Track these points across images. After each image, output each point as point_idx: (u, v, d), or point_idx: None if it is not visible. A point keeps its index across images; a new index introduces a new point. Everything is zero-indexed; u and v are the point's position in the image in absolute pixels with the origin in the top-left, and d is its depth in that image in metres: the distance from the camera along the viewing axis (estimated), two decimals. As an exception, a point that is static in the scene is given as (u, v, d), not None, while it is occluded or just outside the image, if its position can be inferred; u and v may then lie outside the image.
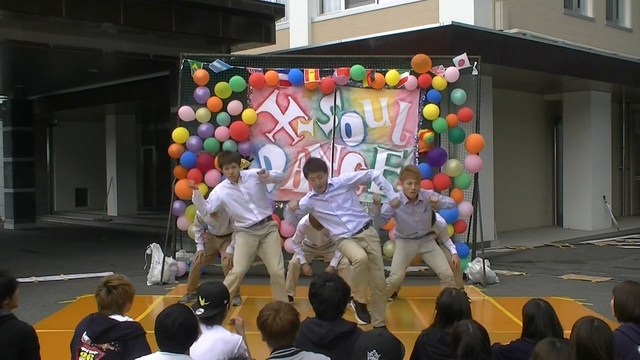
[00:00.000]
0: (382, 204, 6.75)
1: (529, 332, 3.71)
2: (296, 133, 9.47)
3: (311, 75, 9.31)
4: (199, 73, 9.27)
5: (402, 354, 3.06)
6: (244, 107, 9.42)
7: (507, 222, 14.20)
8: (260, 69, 9.45)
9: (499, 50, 11.46)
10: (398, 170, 9.38)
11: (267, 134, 9.50)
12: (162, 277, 9.13)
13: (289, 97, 9.47)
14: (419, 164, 9.36)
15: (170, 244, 9.50)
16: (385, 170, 9.35)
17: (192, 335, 3.30)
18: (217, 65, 9.38)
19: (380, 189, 7.00)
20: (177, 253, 9.62)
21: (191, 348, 3.44)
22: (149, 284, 9.17)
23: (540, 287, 8.94)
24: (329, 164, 9.35)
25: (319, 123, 9.45)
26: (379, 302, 6.51)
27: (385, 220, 6.78)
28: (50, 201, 21.24)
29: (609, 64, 14.15)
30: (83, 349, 3.58)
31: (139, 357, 3.34)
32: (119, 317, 3.67)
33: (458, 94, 9.36)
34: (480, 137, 9.34)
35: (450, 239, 7.86)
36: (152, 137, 22.41)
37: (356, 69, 9.28)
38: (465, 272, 9.14)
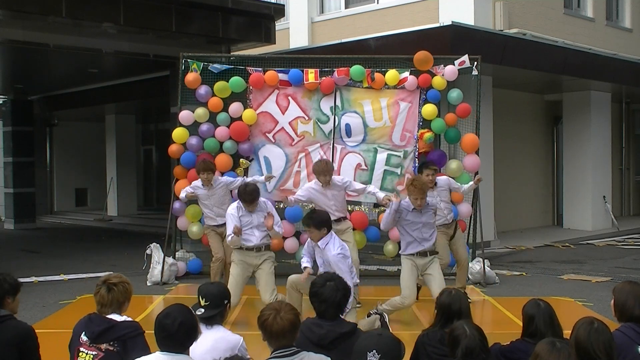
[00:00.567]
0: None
1: (529, 332, 3.71)
2: (296, 133, 9.47)
3: (311, 75, 9.31)
4: (190, 76, 9.27)
5: (402, 354, 3.05)
6: (244, 108, 9.41)
7: (507, 222, 14.20)
8: (260, 69, 9.45)
9: (499, 50, 11.46)
10: (398, 170, 9.40)
11: (267, 134, 9.50)
12: (162, 277, 9.13)
13: (289, 97, 9.47)
14: (419, 164, 9.36)
15: (170, 244, 9.50)
16: (385, 170, 9.36)
17: (192, 335, 3.30)
18: (217, 66, 9.38)
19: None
20: (177, 253, 9.62)
21: (192, 348, 3.44)
22: (149, 284, 9.17)
23: (540, 287, 8.94)
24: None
25: (319, 123, 9.45)
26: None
27: (393, 222, 6.64)
28: (50, 201, 21.25)
29: (609, 64, 14.15)
30: (82, 349, 3.58)
31: (139, 356, 3.33)
32: (117, 317, 3.66)
33: (454, 94, 9.36)
34: (476, 136, 9.35)
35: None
36: (152, 137, 22.41)
37: (356, 69, 9.28)
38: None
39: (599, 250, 12.69)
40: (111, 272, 3.93)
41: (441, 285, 6.49)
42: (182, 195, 8.50)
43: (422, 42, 10.56)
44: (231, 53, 12.14)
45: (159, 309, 3.34)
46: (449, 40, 10.54)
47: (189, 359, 3.29)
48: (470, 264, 9.18)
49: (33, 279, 9.60)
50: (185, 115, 9.31)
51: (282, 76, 9.40)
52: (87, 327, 3.61)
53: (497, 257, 11.43)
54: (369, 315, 6.59)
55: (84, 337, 3.59)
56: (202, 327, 3.78)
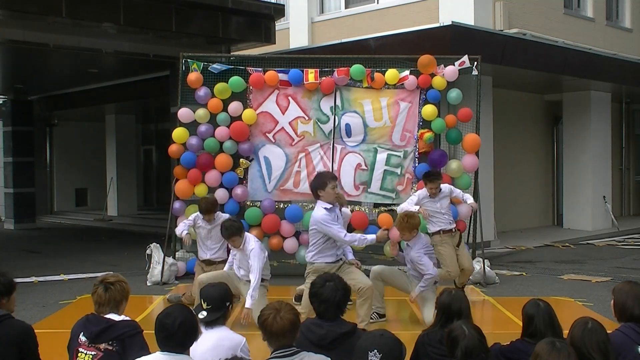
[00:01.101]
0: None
1: (528, 332, 3.71)
2: (296, 133, 9.47)
3: (311, 75, 9.31)
4: (192, 76, 9.26)
5: (403, 354, 3.05)
6: (244, 108, 9.41)
7: (507, 222, 14.20)
8: (260, 69, 9.45)
9: (499, 50, 11.46)
10: (398, 170, 9.40)
11: (267, 134, 9.50)
12: (162, 277, 9.13)
13: (289, 97, 9.47)
14: (419, 164, 9.37)
15: (170, 244, 9.50)
16: (385, 170, 9.36)
17: (192, 335, 3.30)
18: (217, 66, 9.38)
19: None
20: (177, 253, 9.62)
21: (193, 347, 3.44)
22: (149, 284, 9.17)
23: (540, 287, 8.94)
24: (329, 164, 9.37)
25: (319, 123, 9.45)
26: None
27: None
28: (50, 201, 21.24)
29: (609, 64, 14.15)
30: (81, 349, 3.58)
31: (138, 356, 3.33)
32: (115, 317, 3.66)
33: (454, 94, 9.36)
34: (477, 136, 9.35)
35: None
36: (152, 137, 22.41)
37: (356, 68, 9.28)
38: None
39: (599, 250, 12.69)
40: (110, 272, 3.93)
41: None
42: (181, 230, 7.94)
43: (422, 42, 10.57)
44: (231, 53, 12.15)
45: (159, 309, 3.35)
46: (449, 40, 10.54)
47: (189, 359, 3.29)
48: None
49: (33, 279, 9.60)
50: (184, 113, 9.30)
51: (282, 76, 9.40)
52: (86, 327, 3.61)
53: (497, 257, 11.43)
54: None
55: (82, 338, 3.59)
56: (204, 327, 3.78)
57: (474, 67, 9.37)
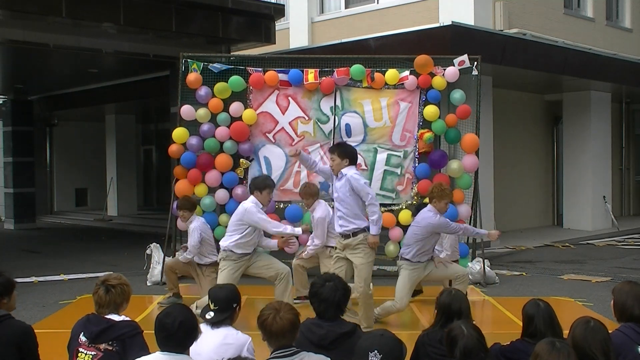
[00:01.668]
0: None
1: (528, 332, 3.71)
2: (296, 133, 9.47)
3: (311, 75, 9.31)
4: (192, 77, 9.25)
5: (403, 354, 3.05)
6: (245, 108, 9.41)
7: (507, 222, 14.20)
8: (260, 69, 9.45)
9: (499, 50, 11.46)
10: (398, 170, 9.40)
11: (267, 134, 9.49)
12: (162, 277, 9.12)
13: (289, 98, 9.47)
14: (419, 164, 9.37)
15: (170, 244, 9.50)
16: (385, 170, 9.36)
17: (192, 334, 3.29)
18: (217, 66, 9.38)
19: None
20: (177, 253, 9.61)
21: (198, 346, 3.44)
22: (149, 284, 9.17)
23: (540, 287, 8.94)
24: (329, 164, 9.35)
25: (319, 123, 9.45)
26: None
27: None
28: (50, 201, 21.24)
29: (609, 64, 14.16)
30: (81, 349, 3.58)
31: (138, 356, 3.33)
32: (115, 317, 3.66)
33: (457, 95, 9.36)
34: (476, 136, 9.35)
35: None
36: (152, 137, 22.41)
37: (356, 68, 9.28)
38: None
39: (599, 250, 12.69)
40: (111, 272, 3.92)
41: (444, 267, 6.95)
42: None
43: (422, 42, 10.57)
44: (231, 53, 12.14)
45: (159, 309, 3.34)
46: (449, 40, 10.54)
47: (189, 359, 3.29)
48: (470, 264, 9.19)
49: (33, 279, 9.60)
50: (186, 110, 9.28)
51: (282, 76, 9.39)
52: (86, 327, 3.61)
53: (497, 257, 11.43)
54: None
55: (82, 338, 3.59)
56: (208, 327, 3.78)
57: (474, 67, 9.37)
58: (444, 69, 9.28)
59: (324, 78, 9.30)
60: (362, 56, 9.78)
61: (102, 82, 16.26)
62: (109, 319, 3.63)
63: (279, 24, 13.32)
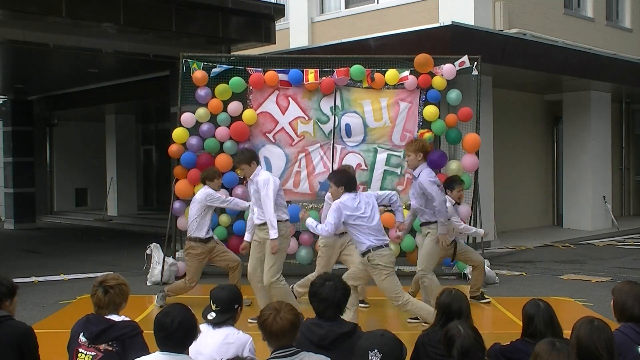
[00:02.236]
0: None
1: (528, 332, 3.71)
2: (296, 133, 9.47)
3: (311, 75, 9.31)
4: (199, 74, 9.26)
5: (403, 354, 3.05)
6: (244, 108, 9.42)
7: (507, 222, 14.20)
8: (260, 69, 9.45)
9: (499, 50, 11.46)
10: (398, 171, 9.41)
11: (267, 134, 9.50)
12: (162, 277, 9.13)
13: (289, 98, 9.47)
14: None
15: (170, 244, 9.50)
16: (385, 170, 9.36)
17: (191, 334, 3.29)
18: (216, 70, 9.37)
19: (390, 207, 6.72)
20: (177, 253, 9.61)
21: (199, 345, 3.43)
22: (149, 284, 9.17)
23: (540, 287, 8.94)
24: (329, 164, 9.37)
25: (319, 123, 9.45)
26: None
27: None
28: (50, 201, 21.24)
29: (609, 64, 14.15)
30: (81, 350, 3.58)
31: (138, 356, 3.33)
32: (115, 317, 3.66)
33: (453, 95, 9.36)
34: (477, 136, 9.35)
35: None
36: (152, 137, 22.41)
37: (356, 69, 9.28)
38: (466, 272, 9.14)
39: (599, 250, 12.69)
40: (109, 273, 3.91)
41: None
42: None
43: (422, 42, 10.56)
44: (231, 53, 12.15)
45: (159, 309, 3.34)
46: (449, 40, 10.54)
47: (188, 359, 3.28)
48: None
49: (33, 279, 9.60)
50: (187, 118, 9.32)
51: (282, 76, 9.40)
52: (86, 327, 3.61)
53: (497, 257, 11.43)
54: None
55: (82, 338, 3.59)
56: (209, 327, 3.78)
57: (474, 67, 9.37)
58: (442, 67, 9.28)
59: (324, 78, 9.31)
60: (362, 56, 9.78)
61: (102, 82, 16.27)
62: (109, 319, 3.62)
63: (279, 24, 13.33)
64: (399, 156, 9.40)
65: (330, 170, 9.29)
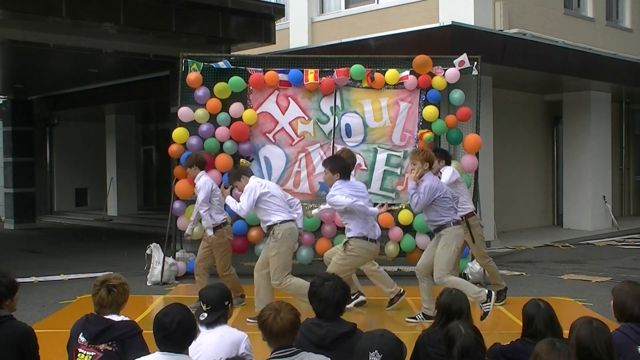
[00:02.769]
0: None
1: (528, 332, 3.71)
2: (296, 133, 9.48)
3: (311, 75, 9.31)
4: (192, 76, 9.26)
5: (404, 354, 3.05)
6: (245, 108, 9.41)
7: (507, 222, 14.20)
8: (260, 69, 9.45)
9: (499, 50, 11.46)
10: (398, 171, 9.41)
11: (267, 134, 9.50)
12: (162, 277, 9.13)
13: (289, 98, 9.48)
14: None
15: (170, 244, 9.50)
16: (385, 170, 9.36)
17: (191, 334, 3.29)
18: (221, 64, 9.37)
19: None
20: (177, 253, 9.62)
21: (195, 347, 3.43)
22: (149, 284, 9.17)
23: (540, 287, 8.94)
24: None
25: (319, 123, 9.45)
26: None
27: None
28: (50, 201, 21.24)
29: (609, 64, 14.15)
30: (80, 350, 3.57)
31: (137, 356, 3.33)
32: (115, 317, 3.66)
33: (456, 95, 9.36)
34: (478, 137, 9.35)
35: None
36: (152, 137, 22.41)
37: (356, 68, 9.29)
38: (465, 272, 9.14)
39: (599, 250, 12.69)
40: (110, 273, 3.92)
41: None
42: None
43: (422, 42, 10.56)
44: (231, 53, 12.14)
45: (159, 309, 3.34)
46: (449, 40, 10.54)
47: (188, 359, 3.29)
48: (470, 264, 9.19)
49: (33, 279, 9.60)
50: (184, 112, 9.30)
51: (282, 76, 9.40)
52: (85, 327, 3.61)
53: (497, 257, 11.41)
54: None
55: (82, 338, 3.59)
56: (205, 328, 3.78)
57: (474, 67, 9.37)
58: (444, 69, 9.29)
59: (324, 78, 9.31)
60: (362, 56, 9.78)
61: (102, 82, 16.26)
62: (108, 319, 3.62)
63: (279, 24, 13.32)
64: (399, 156, 9.40)
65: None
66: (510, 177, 14.65)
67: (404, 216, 9.20)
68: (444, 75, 9.28)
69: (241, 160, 9.38)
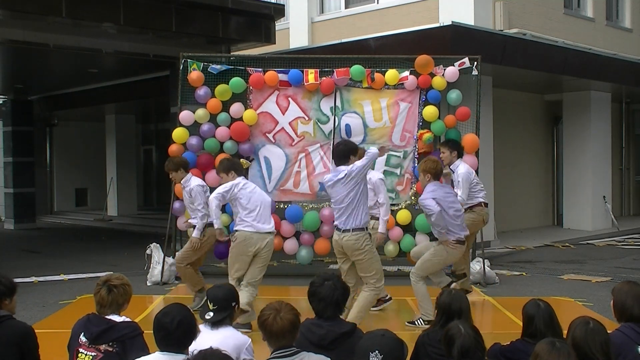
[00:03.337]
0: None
1: (528, 332, 3.71)
2: (296, 133, 9.48)
3: (311, 76, 9.31)
4: (194, 75, 9.25)
5: (404, 354, 3.05)
6: (245, 109, 9.41)
7: (507, 222, 14.20)
8: (260, 69, 9.45)
9: (499, 50, 11.46)
10: (398, 171, 9.41)
11: (267, 134, 9.50)
12: (162, 277, 9.13)
13: (289, 98, 9.47)
14: (418, 164, 9.36)
15: (170, 244, 9.50)
16: (385, 170, 9.36)
17: (191, 334, 3.29)
18: (216, 67, 9.37)
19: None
20: (177, 253, 9.61)
21: (199, 346, 3.43)
22: (149, 284, 9.17)
23: (540, 287, 8.94)
24: (329, 165, 9.37)
25: (319, 123, 9.45)
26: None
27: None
28: (50, 201, 21.24)
29: (609, 64, 14.15)
30: (81, 350, 3.58)
31: (138, 357, 3.33)
32: (116, 317, 3.66)
33: (454, 95, 9.36)
34: (476, 137, 9.35)
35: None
36: (152, 137, 22.41)
37: (356, 69, 9.29)
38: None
39: (599, 250, 12.69)
40: (112, 272, 3.92)
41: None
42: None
43: (422, 42, 10.57)
44: (231, 53, 12.15)
45: (159, 309, 3.34)
46: (449, 40, 10.54)
47: (189, 359, 3.29)
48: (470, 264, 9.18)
49: (33, 279, 9.60)
50: (185, 116, 9.31)
51: (282, 77, 9.40)
52: (86, 327, 3.61)
53: (497, 257, 11.43)
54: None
55: (82, 338, 3.58)
56: (208, 328, 3.78)
57: (473, 67, 9.37)
58: (444, 69, 9.29)
59: (324, 78, 9.31)
60: (362, 56, 9.78)
61: (102, 82, 16.27)
62: (110, 319, 3.62)
63: (279, 24, 13.33)
64: (399, 156, 9.41)
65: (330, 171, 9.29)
66: (510, 177, 14.65)
67: (403, 216, 9.20)
68: (443, 75, 9.28)
69: (241, 160, 9.38)
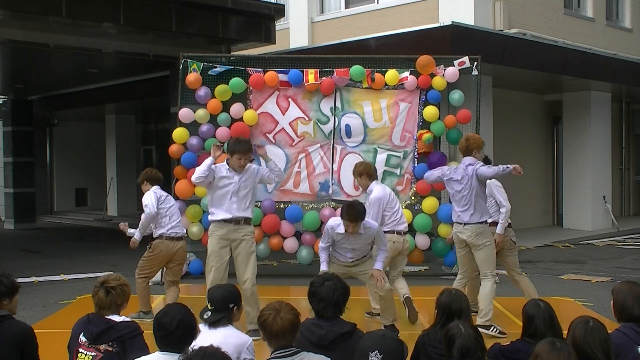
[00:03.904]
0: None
1: (528, 332, 3.70)
2: (296, 134, 9.48)
3: (311, 76, 9.31)
4: (191, 77, 9.25)
5: (404, 354, 3.05)
6: (245, 109, 9.41)
7: (507, 222, 14.17)
8: (260, 69, 9.45)
9: (499, 50, 11.46)
10: (398, 171, 9.41)
11: (267, 134, 9.50)
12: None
13: (289, 99, 9.48)
14: (418, 164, 9.37)
15: (170, 244, 9.45)
16: (384, 170, 9.37)
17: (191, 334, 3.28)
18: (217, 69, 9.36)
19: None
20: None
21: (201, 344, 3.43)
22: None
23: (540, 287, 8.91)
24: (329, 165, 9.37)
25: (319, 124, 9.45)
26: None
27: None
28: (50, 201, 21.25)
29: (609, 64, 14.16)
30: (81, 350, 3.57)
31: (137, 357, 3.33)
32: (116, 317, 3.66)
33: (456, 95, 9.36)
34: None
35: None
36: (152, 137, 22.39)
37: (356, 69, 9.29)
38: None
39: (599, 250, 12.69)
40: (110, 273, 3.91)
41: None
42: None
43: (422, 42, 10.57)
44: (231, 53, 12.15)
45: (159, 309, 3.34)
46: (449, 40, 10.55)
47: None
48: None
49: (33, 279, 9.60)
50: (185, 113, 9.31)
51: (282, 77, 9.40)
52: (86, 327, 3.61)
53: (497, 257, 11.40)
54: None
55: (82, 338, 3.58)
56: (208, 328, 3.77)
57: (473, 67, 9.38)
58: (445, 69, 9.29)
59: (324, 79, 9.31)
60: (362, 56, 9.79)
61: (102, 82, 16.27)
62: (109, 319, 3.62)
63: (279, 24, 13.33)
64: (399, 157, 9.41)
65: (330, 171, 9.33)
66: (510, 177, 14.59)
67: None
68: (443, 75, 9.28)
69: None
